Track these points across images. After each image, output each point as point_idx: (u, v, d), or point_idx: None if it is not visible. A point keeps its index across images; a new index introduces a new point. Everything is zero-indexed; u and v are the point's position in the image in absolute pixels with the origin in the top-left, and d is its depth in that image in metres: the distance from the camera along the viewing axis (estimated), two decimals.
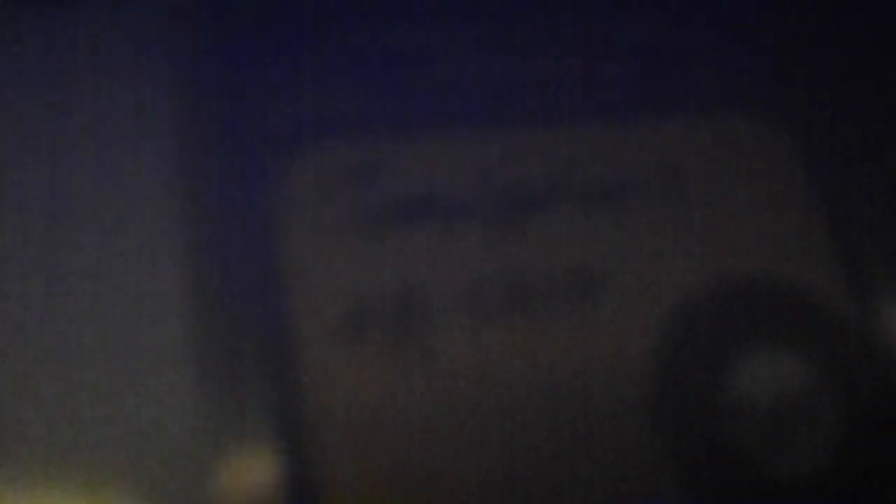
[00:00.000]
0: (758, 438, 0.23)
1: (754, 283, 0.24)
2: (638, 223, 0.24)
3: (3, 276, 0.23)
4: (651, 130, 0.25)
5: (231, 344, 0.22)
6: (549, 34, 0.26)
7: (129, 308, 0.23)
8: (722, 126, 0.25)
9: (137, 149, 0.24)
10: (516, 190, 0.24)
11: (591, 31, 0.26)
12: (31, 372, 0.22)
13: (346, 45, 0.25)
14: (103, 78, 0.25)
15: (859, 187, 0.25)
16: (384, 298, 0.23)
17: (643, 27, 0.26)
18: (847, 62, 0.26)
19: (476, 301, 0.23)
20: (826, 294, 0.24)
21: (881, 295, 0.24)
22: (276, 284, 0.23)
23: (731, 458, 0.23)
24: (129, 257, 0.23)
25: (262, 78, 0.24)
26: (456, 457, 0.22)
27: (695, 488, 0.22)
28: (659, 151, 0.25)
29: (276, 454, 0.21)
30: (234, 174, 0.24)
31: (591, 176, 0.25)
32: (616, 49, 0.26)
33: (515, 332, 0.23)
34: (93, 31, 0.25)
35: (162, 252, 0.23)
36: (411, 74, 0.25)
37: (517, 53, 0.25)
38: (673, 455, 0.22)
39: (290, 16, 0.25)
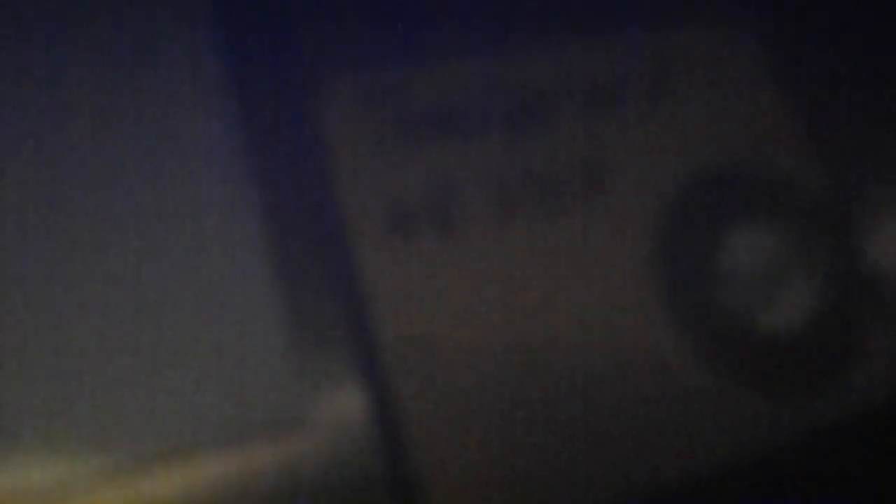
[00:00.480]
0: (748, 302, 0.26)
1: (739, 171, 0.28)
2: (633, 122, 0.28)
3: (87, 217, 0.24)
4: (644, 41, 0.29)
5: (295, 258, 0.25)
6: None
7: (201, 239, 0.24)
8: (706, 36, 0.29)
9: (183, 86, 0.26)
10: (527, 101, 0.27)
11: None
12: (118, 310, 0.23)
13: None
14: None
15: (832, 86, 0.29)
16: (423, 198, 0.26)
17: None
18: None
19: (500, 196, 0.26)
20: (803, 178, 0.28)
21: (855, 179, 0.28)
22: (327, 196, 0.25)
23: (727, 319, 0.26)
24: (198, 194, 0.25)
25: (301, 15, 0.27)
26: (488, 325, 0.25)
27: (694, 347, 0.26)
28: (650, 59, 0.29)
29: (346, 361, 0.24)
30: (284, 105, 0.26)
31: (591, 84, 0.28)
32: None
33: (534, 219, 0.26)
34: None
35: (226, 187, 0.25)
36: (432, 8, 0.28)
37: None
38: (675, 321, 0.26)
39: None
